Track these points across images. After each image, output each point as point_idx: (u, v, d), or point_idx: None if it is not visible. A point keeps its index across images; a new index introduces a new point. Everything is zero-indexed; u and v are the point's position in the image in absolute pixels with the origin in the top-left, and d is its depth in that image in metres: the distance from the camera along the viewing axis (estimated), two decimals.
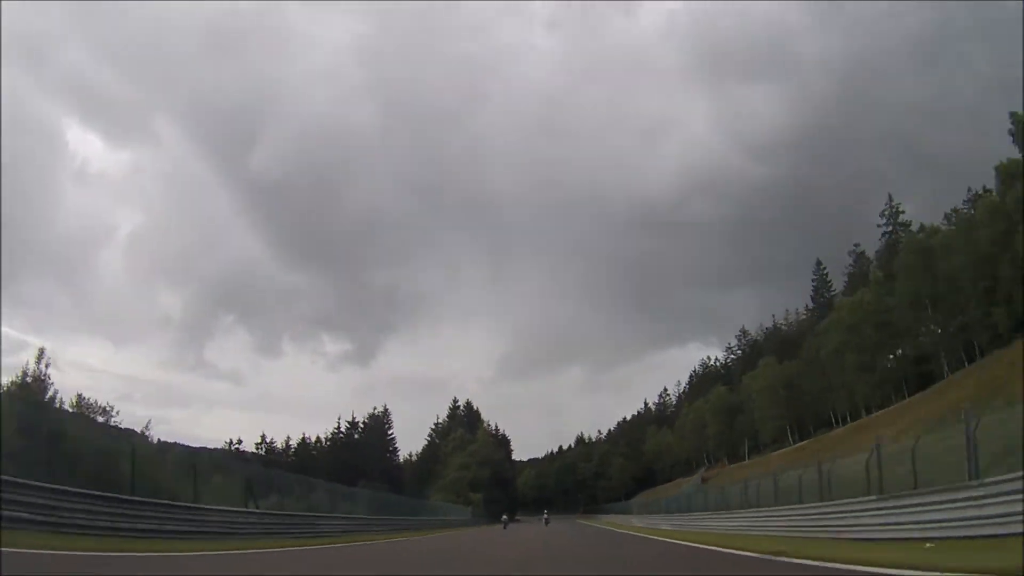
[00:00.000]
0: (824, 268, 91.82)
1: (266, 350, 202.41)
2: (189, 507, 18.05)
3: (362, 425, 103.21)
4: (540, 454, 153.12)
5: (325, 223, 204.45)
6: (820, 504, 20.41)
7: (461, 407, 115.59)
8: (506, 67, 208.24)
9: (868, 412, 63.45)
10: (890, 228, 73.98)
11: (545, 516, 69.52)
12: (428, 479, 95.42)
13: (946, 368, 56.48)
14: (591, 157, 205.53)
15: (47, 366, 33.28)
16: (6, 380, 31.93)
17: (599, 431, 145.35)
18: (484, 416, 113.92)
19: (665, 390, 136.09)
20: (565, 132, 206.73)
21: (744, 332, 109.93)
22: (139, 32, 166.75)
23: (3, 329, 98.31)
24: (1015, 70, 65.93)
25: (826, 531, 18.48)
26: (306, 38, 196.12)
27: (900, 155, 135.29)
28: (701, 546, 18.04)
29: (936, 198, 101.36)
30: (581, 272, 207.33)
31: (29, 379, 31.69)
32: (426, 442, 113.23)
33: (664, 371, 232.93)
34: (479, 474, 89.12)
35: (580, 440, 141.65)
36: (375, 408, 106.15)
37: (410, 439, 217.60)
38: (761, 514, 25.86)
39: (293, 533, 23.80)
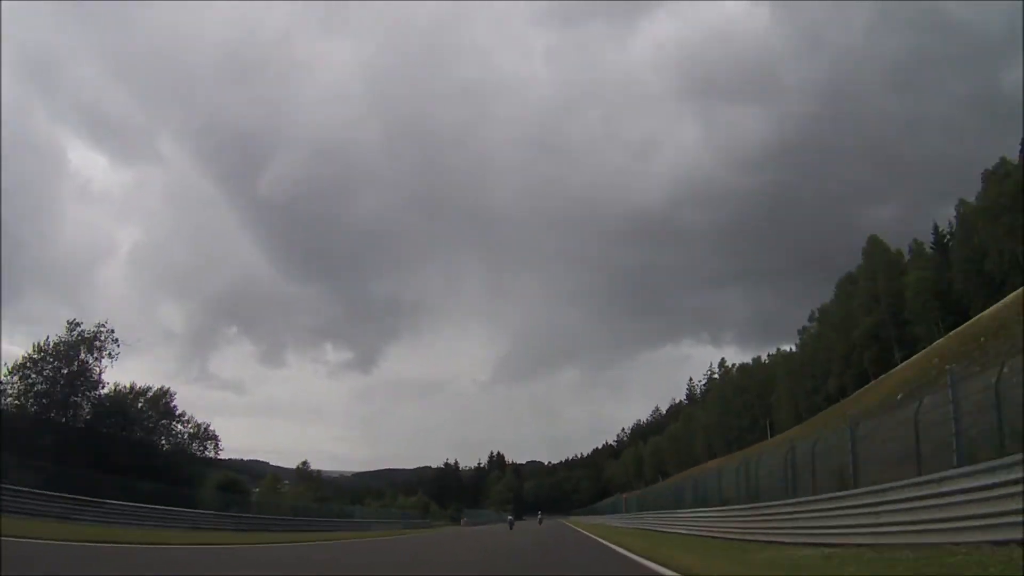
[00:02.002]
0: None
1: (269, 360, 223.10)
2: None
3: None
4: (537, 454, 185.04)
5: (329, 236, 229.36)
6: (741, 508, 19.38)
7: (495, 454, 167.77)
8: (506, 89, 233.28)
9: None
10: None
11: (539, 517, 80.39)
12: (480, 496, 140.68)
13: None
14: (587, 172, 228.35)
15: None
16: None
17: (580, 453, 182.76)
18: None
19: (623, 430, 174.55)
20: (562, 149, 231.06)
21: (657, 409, 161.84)
22: (148, 55, 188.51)
23: (3, 346, 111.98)
24: (985, 88, 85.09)
25: (752, 533, 17.08)
26: (315, 63, 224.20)
27: (878, 166, 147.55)
28: (595, 538, 26.20)
29: (913, 205, 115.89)
30: (577, 279, 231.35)
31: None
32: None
33: (659, 367, 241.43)
34: (507, 495, 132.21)
35: (566, 462, 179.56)
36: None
37: (412, 442, 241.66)
38: (696, 514, 25.16)
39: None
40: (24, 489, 21.61)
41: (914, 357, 58.85)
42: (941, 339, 55.57)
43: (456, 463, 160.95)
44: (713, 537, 20.02)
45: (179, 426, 42.86)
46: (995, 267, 54.96)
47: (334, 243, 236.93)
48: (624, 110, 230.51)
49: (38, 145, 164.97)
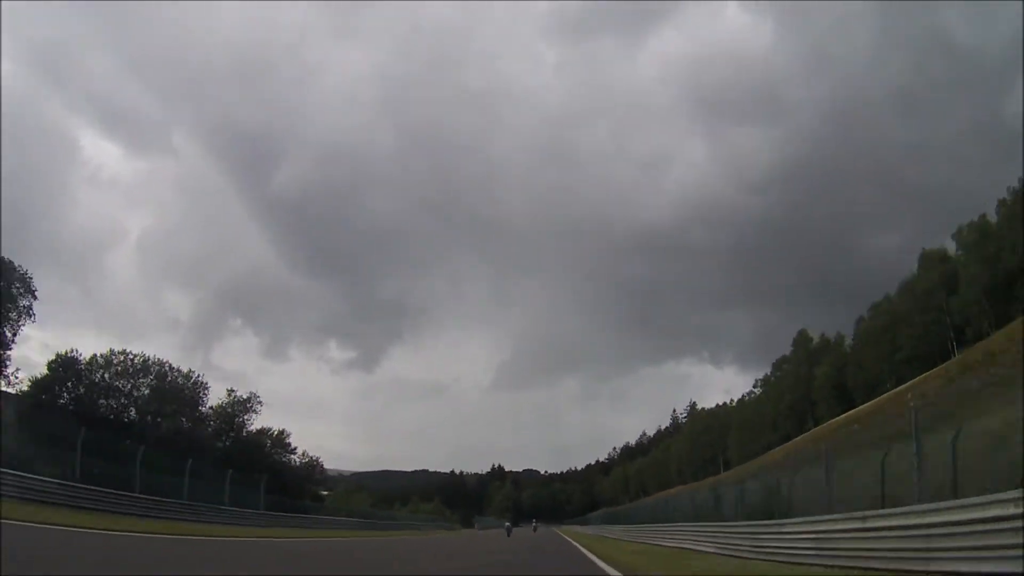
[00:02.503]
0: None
1: (273, 354, 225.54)
2: None
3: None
4: (535, 462, 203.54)
5: (338, 236, 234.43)
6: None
7: (496, 466, 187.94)
8: (516, 98, 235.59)
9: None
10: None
11: (534, 524, 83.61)
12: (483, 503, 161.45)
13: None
14: (595, 186, 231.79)
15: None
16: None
17: (575, 466, 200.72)
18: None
19: (614, 448, 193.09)
20: (571, 160, 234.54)
21: (644, 433, 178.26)
22: (166, 51, 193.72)
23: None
24: (989, 115, 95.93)
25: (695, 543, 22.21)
26: (329, 67, 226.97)
27: (884, 189, 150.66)
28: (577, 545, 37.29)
29: (919, 228, 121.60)
30: (582, 290, 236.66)
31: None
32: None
33: (659, 383, 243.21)
34: (507, 503, 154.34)
35: (561, 474, 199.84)
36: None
37: (412, 443, 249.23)
38: (655, 528, 31.03)
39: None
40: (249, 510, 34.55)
41: (811, 431, 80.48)
42: (831, 420, 77.24)
43: (462, 473, 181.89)
44: (664, 546, 26.09)
45: (294, 457, 58.11)
46: (870, 376, 76.54)
47: (342, 243, 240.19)
48: (633, 124, 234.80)
49: (50, 131, 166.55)
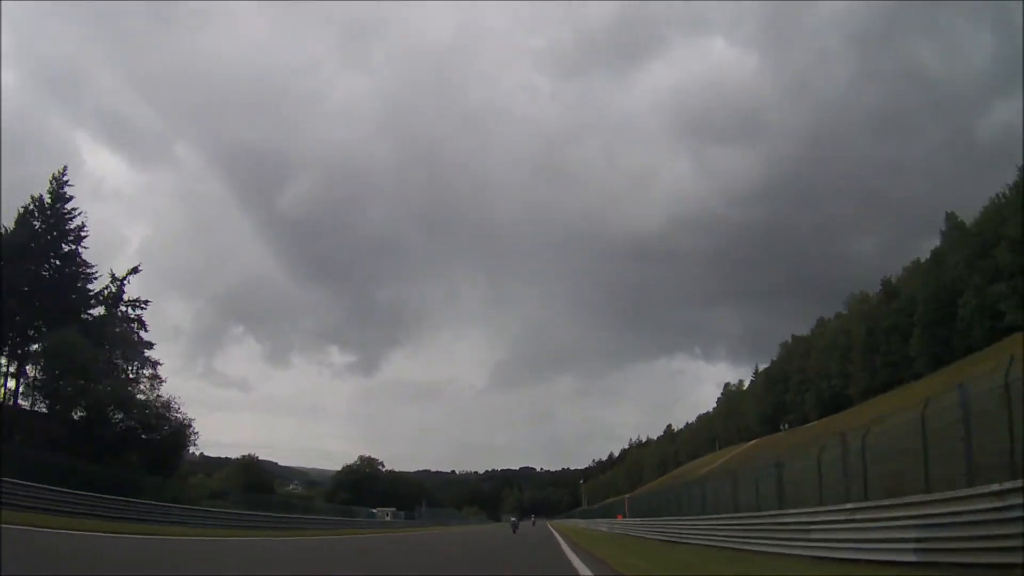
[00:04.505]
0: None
1: (275, 360, 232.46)
2: None
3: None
4: (531, 459, 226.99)
5: (338, 245, 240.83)
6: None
7: (501, 469, 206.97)
8: (510, 117, 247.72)
9: None
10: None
11: (532, 518, 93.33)
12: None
13: None
14: (586, 196, 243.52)
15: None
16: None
17: (568, 467, 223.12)
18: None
19: (611, 454, 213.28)
20: (563, 173, 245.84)
21: (630, 441, 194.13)
22: (169, 67, 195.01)
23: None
24: (961, 136, 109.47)
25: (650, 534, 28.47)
26: (332, 88, 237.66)
27: (862, 202, 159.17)
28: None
29: (895, 234, 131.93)
30: (574, 293, 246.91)
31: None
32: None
33: (652, 379, 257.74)
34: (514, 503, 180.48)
35: (553, 472, 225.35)
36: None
37: (412, 444, 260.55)
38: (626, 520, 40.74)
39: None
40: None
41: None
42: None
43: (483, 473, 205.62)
44: (601, 530, 43.41)
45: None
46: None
47: (343, 251, 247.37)
48: (623, 143, 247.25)
49: (52, 145, 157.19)
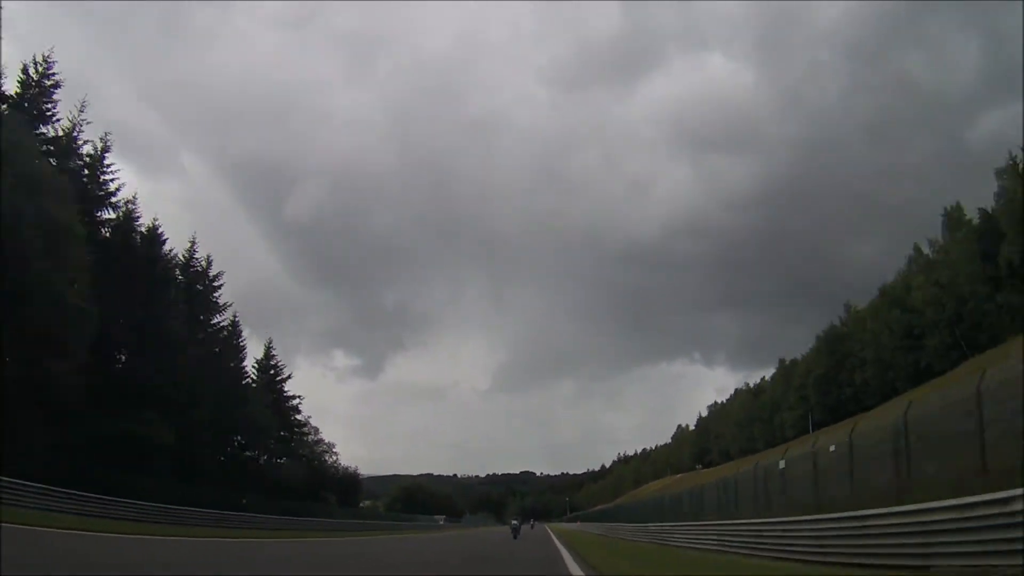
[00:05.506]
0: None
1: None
2: None
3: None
4: (531, 463, 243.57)
5: (344, 250, 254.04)
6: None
7: (498, 473, 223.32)
8: (512, 125, 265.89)
9: None
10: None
11: (532, 522, 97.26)
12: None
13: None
14: (587, 202, 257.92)
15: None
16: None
17: (567, 471, 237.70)
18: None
19: (603, 465, 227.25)
20: (564, 180, 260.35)
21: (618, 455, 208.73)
22: (173, 73, 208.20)
23: None
24: (951, 144, 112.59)
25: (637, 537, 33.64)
26: (338, 99, 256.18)
27: (857, 206, 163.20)
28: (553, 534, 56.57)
29: (891, 238, 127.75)
30: (577, 299, 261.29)
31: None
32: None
33: (652, 383, 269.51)
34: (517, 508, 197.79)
35: (556, 476, 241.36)
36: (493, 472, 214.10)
37: (414, 446, 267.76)
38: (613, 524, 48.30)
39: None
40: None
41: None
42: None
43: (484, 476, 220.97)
44: (591, 532, 52.52)
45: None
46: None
47: (348, 256, 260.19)
48: (622, 151, 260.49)
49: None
